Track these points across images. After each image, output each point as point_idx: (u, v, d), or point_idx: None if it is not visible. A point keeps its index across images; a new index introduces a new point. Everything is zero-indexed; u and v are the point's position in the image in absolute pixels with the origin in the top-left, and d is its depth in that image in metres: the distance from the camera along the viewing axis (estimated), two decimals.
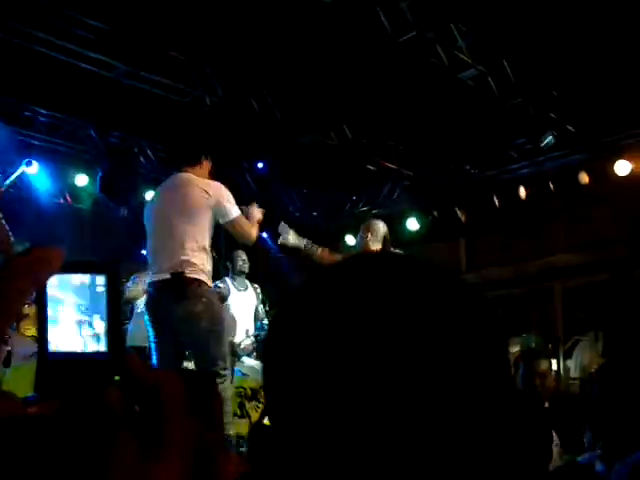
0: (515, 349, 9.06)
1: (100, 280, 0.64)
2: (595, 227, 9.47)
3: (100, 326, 0.63)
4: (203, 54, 7.98)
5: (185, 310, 4.25)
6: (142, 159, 9.91)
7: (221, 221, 4.46)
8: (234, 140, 9.13)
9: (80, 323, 0.63)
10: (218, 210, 4.42)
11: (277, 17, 6.98)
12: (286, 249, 6.29)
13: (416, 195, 10.38)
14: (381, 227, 6.01)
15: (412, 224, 10.73)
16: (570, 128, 8.74)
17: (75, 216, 10.14)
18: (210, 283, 4.52)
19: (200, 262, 4.32)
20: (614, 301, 7.89)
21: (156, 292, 4.39)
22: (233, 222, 4.48)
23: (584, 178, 8.92)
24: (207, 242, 4.42)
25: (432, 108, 8.30)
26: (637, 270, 7.80)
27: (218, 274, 8.03)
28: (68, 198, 10.13)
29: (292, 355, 0.65)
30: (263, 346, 0.72)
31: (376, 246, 5.84)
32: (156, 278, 4.39)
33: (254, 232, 4.61)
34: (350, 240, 10.19)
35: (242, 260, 7.65)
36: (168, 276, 4.28)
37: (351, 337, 0.61)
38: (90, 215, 10.35)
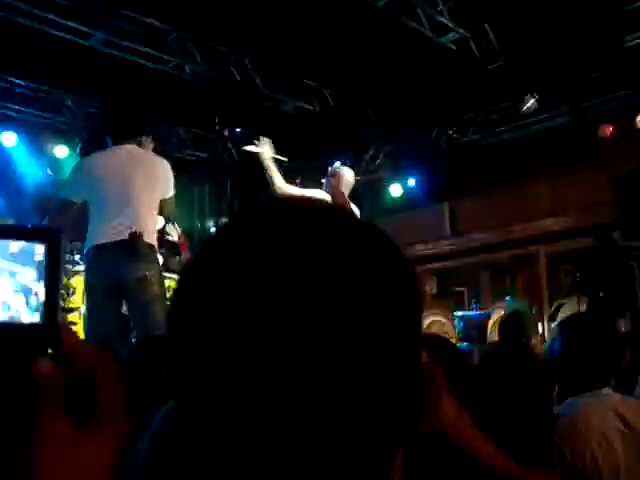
0: (500, 313, 9.11)
1: (39, 249, 0.61)
2: (578, 191, 9.49)
3: (36, 297, 0.60)
4: (182, 21, 7.86)
5: (140, 272, 4.29)
6: None
7: (165, 195, 4.66)
8: (215, 109, 9.03)
9: (16, 292, 0.60)
10: (168, 186, 4.67)
11: None
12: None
13: (399, 161, 10.34)
14: (346, 174, 5.81)
15: (395, 190, 10.71)
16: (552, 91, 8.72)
17: (57, 188, 10.05)
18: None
19: (154, 232, 4.56)
20: (597, 265, 7.92)
21: (108, 253, 4.32)
22: (171, 199, 4.72)
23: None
24: (157, 212, 4.69)
25: (413, 72, 8.24)
26: (620, 233, 7.83)
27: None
28: (49, 170, 10.01)
29: (190, 320, 0.61)
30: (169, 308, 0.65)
31: (345, 193, 5.69)
32: (111, 239, 4.33)
33: None
34: None
35: None
36: (124, 237, 4.28)
37: (247, 301, 0.58)
38: None
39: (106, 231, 4.37)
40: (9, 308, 0.59)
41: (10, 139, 8.85)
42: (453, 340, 8.42)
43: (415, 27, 7.44)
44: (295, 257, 0.59)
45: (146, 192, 4.49)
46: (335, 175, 5.74)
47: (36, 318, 0.60)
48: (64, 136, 9.60)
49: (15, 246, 0.61)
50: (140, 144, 4.83)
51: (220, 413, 0.58)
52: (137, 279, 4.27)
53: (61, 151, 9.60)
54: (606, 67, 8.31)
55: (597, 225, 8.47)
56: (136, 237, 4.28)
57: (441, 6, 7.37)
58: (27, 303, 0.59)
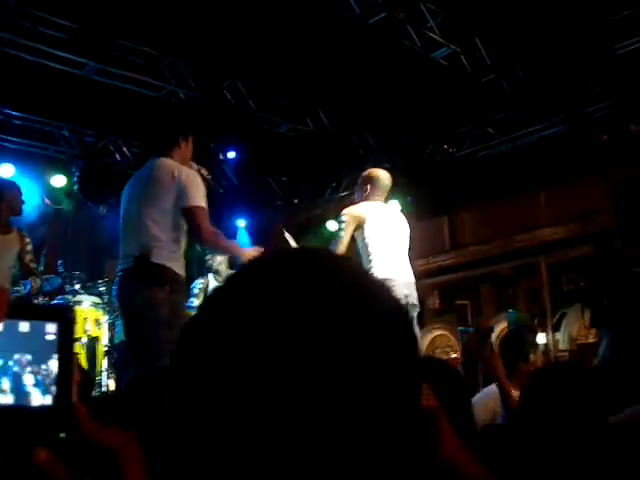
0: (502, 326, 9.10)
1: (51, 328, 0.60)
2: (577, 199, 9.49)
3: (46, 378, 0.59)
4: (174, 48, 7.91)
5: (145, 297, 3.86)
6: (118, 156, 9.82)
7: (180, 204, 3.98)
8: (210, 133, 9.06)
9: (24, 374, 0.59)
10: (181, 193, 3.99)
11: (245, 7, 6.92)
12: None
13: (395, 177, 10.34)
14: (383, 177, 5.36)
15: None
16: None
17: (55, 217, 10.06)
18: (180, 271, 4.06)
19: (168, 247, 3.97)
20: (598, 272, 7.90)
21: (121, 279, 4.06)
22: (192, 209, 3.99)
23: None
24: (178, 226, 4.03)
25: (407, 89, 8.27)
26: (620, 240, 7.81)
27: (201, 270, 8.03)
28: (47, 200, 10.02)
29: (200, 358, 0.61)
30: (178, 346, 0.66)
31: (379, 199, 5.27)
32: (123, 265, 4.05)
33: (211, 230, 4.07)
34: (332, 226, 10.17)
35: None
36: (132, 262, 3.94)
37: (255, 342, 0.60)
38: (70, 215, 10.27)
39: (120, 255, 4.20)
40: (21, 390, 0.58)
41: (8, 171, 8.85)
42: (457, 354, 8.41)
43: (406, 44, 7.47)
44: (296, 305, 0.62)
45: (148, 204, 4.01)
46: (367, 179, 5.34)
47: (48, 400, 0.58)
48: (61, 166, 9.61)
49: (26, 325, 0.59)
50: (175, 152, 4.25)
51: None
52: (142, 304, 3.88)
53: (59, 180, 9.62)
54: (598, 75, 8.33)
55: (597, 232, 8.46)
56: (140, 259, 3.91)
57: (431, 22, 7.40)
58: (38, 384, 0.58)
